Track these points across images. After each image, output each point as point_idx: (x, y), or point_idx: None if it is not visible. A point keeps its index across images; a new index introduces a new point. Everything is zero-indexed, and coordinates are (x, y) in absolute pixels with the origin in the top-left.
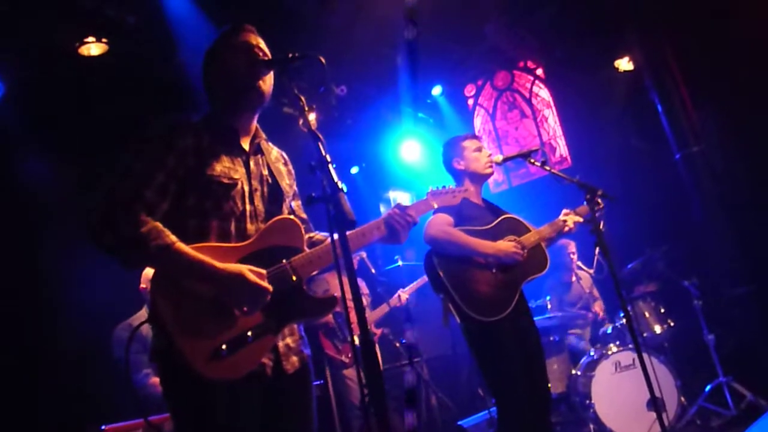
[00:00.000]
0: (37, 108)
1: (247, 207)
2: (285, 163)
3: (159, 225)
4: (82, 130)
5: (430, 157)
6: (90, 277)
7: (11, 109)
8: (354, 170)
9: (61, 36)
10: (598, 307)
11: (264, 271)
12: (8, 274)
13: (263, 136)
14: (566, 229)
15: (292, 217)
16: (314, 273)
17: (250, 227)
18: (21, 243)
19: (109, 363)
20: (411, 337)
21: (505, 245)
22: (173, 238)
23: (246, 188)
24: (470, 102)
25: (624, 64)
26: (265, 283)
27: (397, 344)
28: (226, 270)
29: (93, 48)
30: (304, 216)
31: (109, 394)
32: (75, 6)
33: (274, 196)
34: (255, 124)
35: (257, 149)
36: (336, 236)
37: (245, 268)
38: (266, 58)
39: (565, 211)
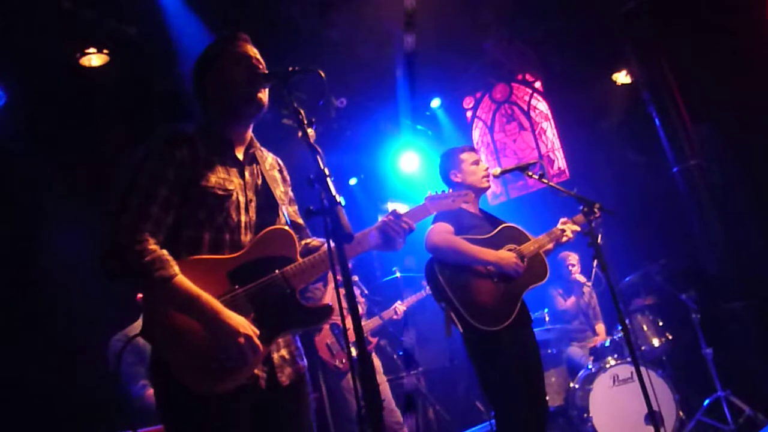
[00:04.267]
0: (38, 118)
1: (242, 218)
2: (280, 170)
3: (164, 254)
4: (83, 140)
5: (429, 168)
6: (90, 284)
7: (13, 119)
8: (352, 182)
9: (62, 47)
10: (601, 329)
11: (257, 332)
12: (8, 281)
13: (257, 145)
14: (564, 238)
15: (284, 227)
16: (308, 283)
17: (245, 238)
18: (21, 251)
19: (104, 371)
20: (408, 342)
21: (507, 255)
22: (176, 269)
23: (241, 199)
24: (469, 114)
25: (622, 77)
26: (253, 349)
27: (395, 356)
28: (223, 319)
29: (94, 59)
30: (300, 222)
31: (104, 404)
32: (76, 17)
33: (269, 205)
34: (250, 133)
35: (252, 159)
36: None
37: (242, 327)
38: (266, 71)
39: (563, 220)
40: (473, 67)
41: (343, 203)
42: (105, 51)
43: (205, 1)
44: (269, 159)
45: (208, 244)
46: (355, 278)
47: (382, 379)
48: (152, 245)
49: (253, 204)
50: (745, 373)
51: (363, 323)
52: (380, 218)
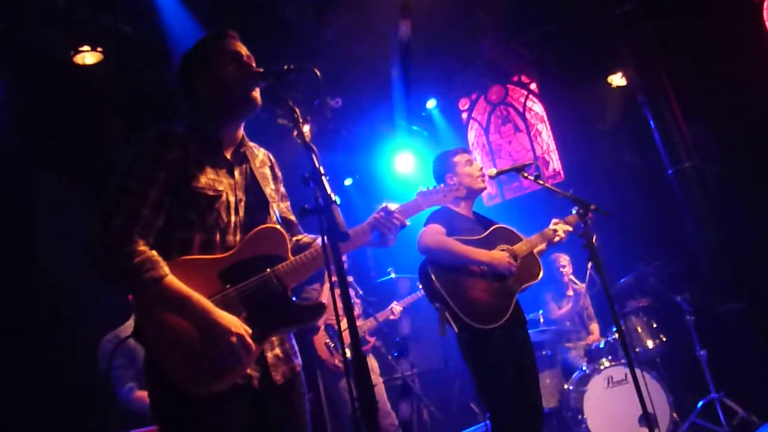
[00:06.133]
0: (31, 116)
1: (233, 218)
2: (271, 167)
3: (154, 255)
4: (77, 138)
5: (424, 169)
6: (83, 283)
7: (6, 117)
8: (347, 182)
9: (56, 45)
10: (595, 328)
11: (249, 331)
12: (5, 280)
13: (248, 143)
14: (556, 239)
15: (275, 225)
16: (300, 281)
17: (235, 238)
18: (17, 250)
19: (96, 371)
20: (404, 331)
21: (499, 254)
22: (166, 270)
23: (231, 199)
24: (464, 116)
25: (617, 79)
26: (246, 348)
27: (390, 357)
28: (215, 318)
29: (88, 57)
30: (291, 218)
31: (96, 404)
32: (70, 15)
33: (260, 204)
34: (241, 132)
35: (242, 158)
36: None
37: (234, 326)
38: (260, 70)
39: (554, 220)
40: (469, 68)
41: (338, 202)
42: (99, 49)
43: (200, 0)
44: (260, 156)
45: (199, 244)
46: (350, 279)
47: (378, 380)
48: (142, 246)
49: (243, 204)
50: (739, 375)
51: (359, 323)
52: (372, 214)
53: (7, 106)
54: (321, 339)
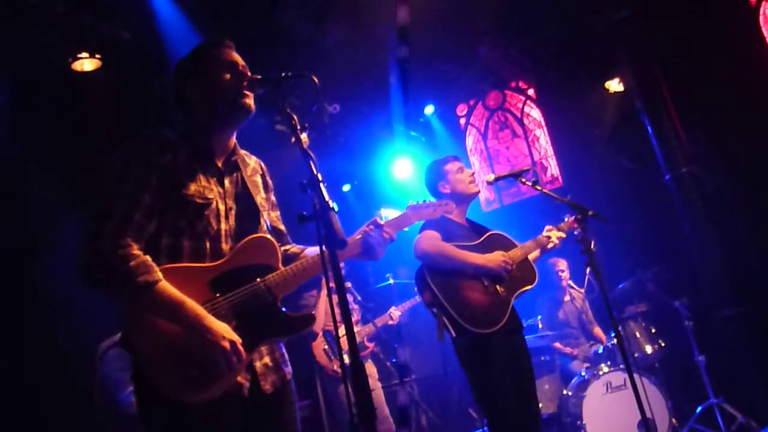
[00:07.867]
0: (30, 122)
1: (222, 226)
2: (262, 175)
3: (148, 259)
4: (74, 145)
5: (422, 175)
6: (82, 290)
7: (4, 123)
8: (346, 188)
9: (54, 51)
10: (599, 331)
11: (238, 339)
12: (3, 284)
13: (240, 152)
14: (550, 245)
15: (266, 235)
16: (290, 291)
17: (225, 246)
18: (15, 256)
19: (93, 378)
20: (402, 356)
21: (494, 256)
22: (159, 275)
23: (221, 207)
24: (462, 121)
25: (614, 85)
26: (237, 355)
27: (388, 363)
28: (207, 324)
29: (86, 64)
30: (281, 228)
31: (94, 410)
32: (69, 21)
33: (250, 213)
34: (233, 140)
35: (233, 167)
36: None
37: (227, 333)
38: (258, 77)
39: (548, 227)
40: (467, 74)
41: (336, 209)
42: (97, 56)
43: (198, 7)
44: (252, 164)
45: (189, 252)
46: (348, 285)
47: (376, 385)
48: (136, 250)
49: (233, 212)
50: (737, 380)
51: (358, 329)
52: (361, 227)
53: (6, 112)
54: (319, 345)
